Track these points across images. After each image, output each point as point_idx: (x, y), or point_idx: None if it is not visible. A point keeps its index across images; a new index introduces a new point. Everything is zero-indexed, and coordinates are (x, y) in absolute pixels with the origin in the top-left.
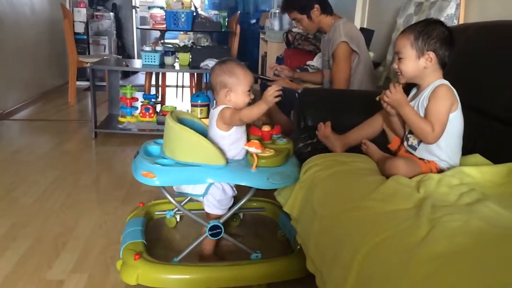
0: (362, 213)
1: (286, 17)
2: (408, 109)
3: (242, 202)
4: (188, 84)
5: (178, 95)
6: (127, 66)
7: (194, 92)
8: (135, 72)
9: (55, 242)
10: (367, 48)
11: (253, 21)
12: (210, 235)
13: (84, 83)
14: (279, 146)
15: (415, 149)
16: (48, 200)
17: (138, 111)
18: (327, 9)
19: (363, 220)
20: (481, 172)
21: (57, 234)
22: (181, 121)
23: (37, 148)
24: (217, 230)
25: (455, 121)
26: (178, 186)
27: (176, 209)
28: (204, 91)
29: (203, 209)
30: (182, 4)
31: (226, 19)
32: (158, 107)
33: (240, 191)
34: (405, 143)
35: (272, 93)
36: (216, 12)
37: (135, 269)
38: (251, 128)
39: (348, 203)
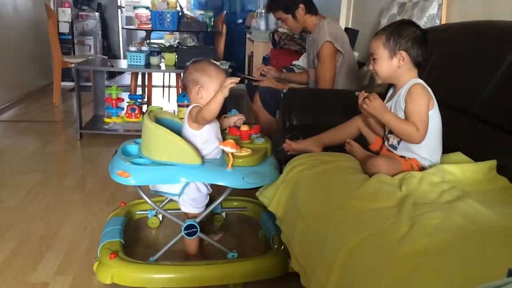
0: (346, 212)
1: (272, 17)
2: (389, 116)
3: (217, 202)
4: (175, 84)
5: (164, 95)
6: (113, 66)
7: (180, 92)
8: (121, 73)
9: (40, 244)
10: (351, 48)
11: (240, 21)
12: (185, 234)
13: (69, 84)
14: (256, 145)
15: (395, 148)
16: (32, 202)
17: (124, 111)
18: (312, 9)
19: (346, 218)
20: (462, 170)
21: (42, 236)
22: (159, 120)
23: (21, 149)
24: (193, 229)
25: (433, 119)
26: (154, 185)
27: (162, 205)
28: None
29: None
30: (168, 4)
31: (212, 19)
32: (144, 108)
33: (221, 190)
34: (385, 143)
35: (228, 84)
36: (202, 12)
37: (110, 268)
38: (230, 128)
39: (331, 202)
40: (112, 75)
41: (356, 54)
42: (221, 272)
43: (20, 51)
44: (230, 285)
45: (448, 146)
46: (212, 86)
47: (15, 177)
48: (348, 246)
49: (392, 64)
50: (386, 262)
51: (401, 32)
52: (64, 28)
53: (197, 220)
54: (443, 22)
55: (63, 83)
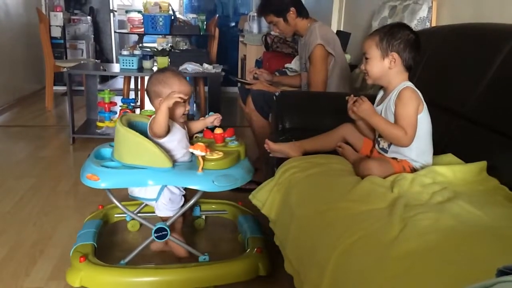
0: (338, 214)
1: (264, 20)
2: (377, 119)
3: (188, 205)
4: None
5: None
6: (105, 70)
7: None
8: (113, 76)
9: (33, 249)
10: (343, 51)
11: (232, 24)
12: (156, 237)
13: (61, 88)
14: (229, 148)
15: (386, 151)
16: (25, 207)
17: (117, 115)
18: (302, 12)
19: (339, 220)
20: (453, 171)
21: (34, 242)
22: (134, 124)
23: (14, 154)
24: (163, 233)
25: (423, 122)
26: (131, 190)
27: (136, 212)
28: None
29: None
30: (160, 7)
31: (205, 23)
32: (137, 112)
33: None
34: (376, 146)
35: (175, 96)
36: (195, 15)
37: (78, 271)
38: (204, 131)
39: (324, 204)
40: (105, 79)
41: (348, 56)
42: (191, 276)
43: (11, 55)
44: None
45: (439, 147)
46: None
47: (7, 182)
48: (341, 248)
49: (384, 65)
50: (378, 263)
51: (395, 34)
52: (56, 32)
53: (168, 223)
54: (434, 24)
55: (55, 88)
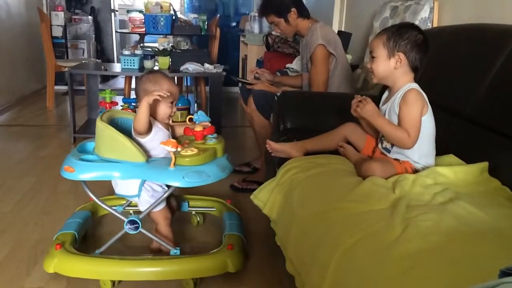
0: (340, 214)
1: (265, 20)
2: (381, 120)
3: (159, 200)
4: None
5: None
6: (106, 70)
7: None
8: (114, 76)
9: (34, 249)
10: (344, 51)
11: (233, 24)
12: (128, 229)
13: (62, 88)
14: (207, 146)
15: (389, 151)
16: (26, 207)
17: None
18: (304, 13)
19: (341, 221)
20: (455, 172)
21: (36, 241)
22: (116, 120)
23: (14, 154)
24: (135, 225)
25: (426, 124)
26: (115, 188)
27: (126, 205)
28: (184, 95)
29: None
30: (161, 7)
31: (206, 23)
32: None
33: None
34: (379, 145)
35: (156, 94)
36: (196, 15)
37: (53, 258)
38: (184, 128)
39: (326, 204)
40: (106, 78)
41: (349, 57)
42: (157, 268)
43: (13, 55)
44: (183, 282)
45: (441, 148)
46: (163, 99)
47: (8, 181)
48: (342, 248)
49: (389, 64)
50: (380, 264)
51: (403, 34)
52: (57, 32)
53: (140, 216)
54: (435, 25)
55: (56, 87)
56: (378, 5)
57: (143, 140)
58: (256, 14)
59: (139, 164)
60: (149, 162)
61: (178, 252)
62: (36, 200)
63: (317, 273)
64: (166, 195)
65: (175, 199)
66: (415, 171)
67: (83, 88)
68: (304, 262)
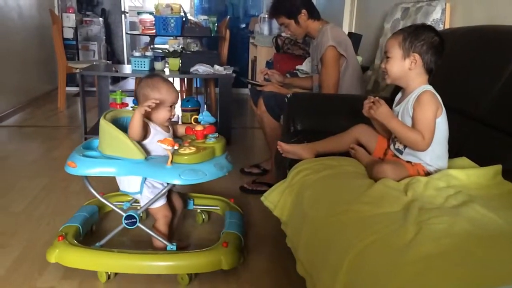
0: (351, 216)
1: (275, 22)
2: (395, 122)
3: (157, 197)
4: (179, 89)
5: None
6: (117, 71)
7: (184, 97)
8: (124, 77)
9: (45, 249)
10: (355, 53)
11: (243, 25)
12: (125, 224)
13: (73, 89)
14: (206, 145)
15: (401, 152)
16: (37, 207)
17: None
18: (314, 14)
19: (352, 223)
20: (468, 174)
21: (47, 241)
22: (119, 119)
23: (26, 154)
24: (132, 220)
25: (440, 126)
26: (119, 185)
27: (133, 201)
28: (194, 96)
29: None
30: (172, 9)
31: (216, 24)
32: None
33: (206, 184)
34: (391, 146)
35: (146, 103)
36: (206, 17)
37: (55, 248)
38: (186, 128)
39: (337, 207)
40: (116, 80)
41: (359, 58)
42: (151, 262)
43: (25, 56)
44: (178, 277)
45: (453, 150)
46: (161, 103)
47: (20, 182)
48: (354, 251)
49: (404, 65)
50: (393, 267)
51: (419, 35)
52: (69, 33)
53: (138, 212)
54: (447, 26)
55: (67, 88)
56: (389, 6)
57: (143, 142)
58: (266, 16)
59: (138, 161)
60: (148, 160)
61: (174, 247)
62: (48, 200)
63: (328, 276)
64: (163, 191)
65: (180, 198)
66: (428, 173)
67: (94, 89)
68: (315, 264)
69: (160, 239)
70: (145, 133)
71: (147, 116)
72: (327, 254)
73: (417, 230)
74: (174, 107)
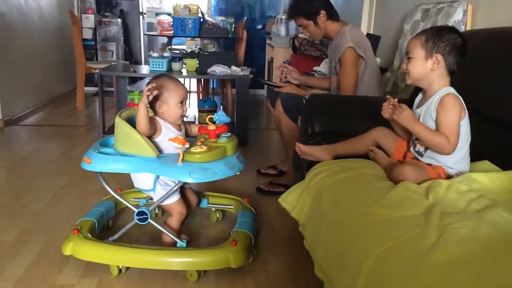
0: (371, 219)
1: (292, 23)
2: (418, 127)
3: (167, 194)
4: (195, 90)
5: None
6: (135, 72)
7: (201, 98)
8: (142, 78)
9: None
10: (374, 54)
11: (259, 26)
12: (137, 220)
13: (92, 89)
14: (217, 144)
15: (421, 155)
16: (57, 205)
17: None
18: (333, 15)
19: (372, 226)
20: (490, 178)
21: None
22: (133, 118)
23: (46, 153)
24: (144, 216)
25: (462, 129)
26: (134, 182)
27: (149, 198)
28: (211, 97)
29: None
30: (189, 10)
31: (233, 25)
32: None
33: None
34: (411, 148)
35: (145, 92)
36: (223, 18)
37: (69, 241)
38: (199, 127)
39: (356, 209)
40: (134, 80)
41: (378, 60)
42: (161, 258)
43: (45, 57)
44: (187, 274)
45: (475, 154)
46: (172, 100)
47: (40, 180)
48: (375, 255)
49: (426, 66)
50: (415, 272)
51: (442, 36)
52: (88, 34)
53: (150, 208)
54: (469, 28)
55: (86, 88)
56: (408, 7)
57: (154, 140)
58: (283, 17)
59: (150, 159)
60: (160, 158)
61: (184, 244)
62: (67, 198)
63: (348, 280)
64: (174, 189)
65: (195, 195)
66: (448, 176)
67: (112, 89)
68: (334, 268)
69: (171, 235)
70: (154, 129)
71: (161, 116)
72: (346, 257)
73: (440, 234)
74: (185, 103)
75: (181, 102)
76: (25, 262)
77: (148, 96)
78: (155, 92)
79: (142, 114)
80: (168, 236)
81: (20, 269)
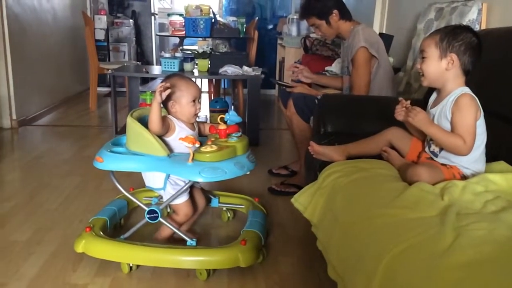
0: (386, 220)
1: (303, 23)
2: (434, 129)
3: (178, 193)
4: (207, 90)
5: None
6: (147, 72)
7: (212, 98)
8: (154, 78)
9: None
10: (386, 54)
11: (271, 26)
12: (148, 218)
13: (104, 89)
14: (228, 143)
15: (436, 155)
16: (71, 205)
17: None
18: (345, 15)
19: (387, 228)
20: (506, 179)
21: None
22: (145, 118)
23: (60, 153)
24: (154, 214)
25: (478, 130)
26: (145, 180)
27: (161, 197)
28: (223, 97)
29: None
30: (201, 11)
31: (244, 25)
32: None
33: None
34: (426, 148)
35: (158, 90)
36: (234, 18)
37: (82, 239)
38: (210, 126)
39: (370, 210)
40: (146, 80)
41: (391, 59)
42: (170, 256)
43: (58, 57)
44: (197, 272)
45: (490, 154)
46: (185, 99)
47: (54, 180)
48: (390, 256)
49: (441, 65)
50: (431, 274)
51: (457, 35)
52: (100, 35)
53: (161, 207)
54: (483, 27)
55: (98, 89)
56: (422, 6)
57: (167, 139)
58: (294, 17)
59: (161, 158)
60: (170, 157)
61: (194, 243)
62: (81, 198)
63: (362, 281)
64: (184, 188)
65: (203, 196)
66: (464, 177)
67: (124, 90)
68: (348, 269)
69: (182, 235)
70: (167, 128)
71: (174, 115)
72: (360, 258)
73: (456, 236)
74: (198, 101)
75: (194, 101)
76: (39, 262)
77: (160, 93)
78: (168, 91)
79: (154, 112)
80: (178, 233)
81: (34, 268)
